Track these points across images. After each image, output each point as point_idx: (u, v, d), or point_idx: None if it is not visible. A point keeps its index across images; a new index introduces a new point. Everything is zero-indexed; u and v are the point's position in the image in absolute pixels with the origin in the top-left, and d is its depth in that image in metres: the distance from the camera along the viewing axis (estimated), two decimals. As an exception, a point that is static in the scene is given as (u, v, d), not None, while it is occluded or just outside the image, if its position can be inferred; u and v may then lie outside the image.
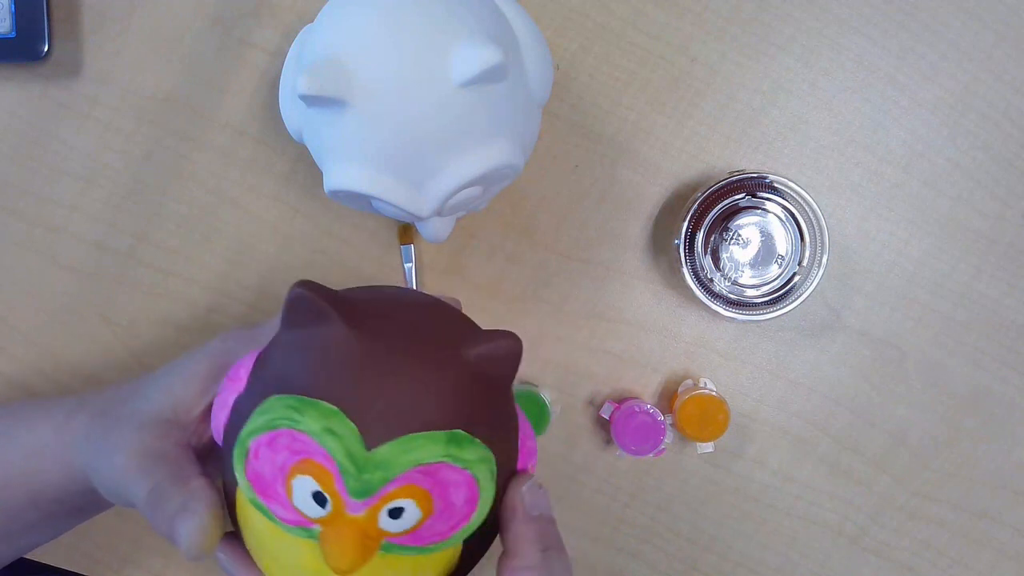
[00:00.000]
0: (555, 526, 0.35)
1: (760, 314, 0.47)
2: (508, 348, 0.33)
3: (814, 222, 0.47)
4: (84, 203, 0.52)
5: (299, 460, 0.31)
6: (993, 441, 0.53)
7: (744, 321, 0.48)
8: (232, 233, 0.52)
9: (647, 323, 0.53)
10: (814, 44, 0.51)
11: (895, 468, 0.53)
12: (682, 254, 0.47)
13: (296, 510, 0.32)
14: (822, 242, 0.47)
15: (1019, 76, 0.51)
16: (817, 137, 0.52)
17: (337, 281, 0.52)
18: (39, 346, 0.53)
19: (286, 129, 0.45)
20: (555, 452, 0.53)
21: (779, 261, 0.47)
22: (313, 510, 0.31)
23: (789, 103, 0.52)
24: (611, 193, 0.52)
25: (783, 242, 0.47)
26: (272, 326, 0.38)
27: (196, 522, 0.34)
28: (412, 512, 0.31)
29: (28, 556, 0.52)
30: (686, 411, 0.50)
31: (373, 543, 0.31)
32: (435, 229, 0.46)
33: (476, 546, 0.35)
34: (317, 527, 0.32)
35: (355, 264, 0.52)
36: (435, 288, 0.52)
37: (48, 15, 0.50)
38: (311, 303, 0.32)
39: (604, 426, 0.52)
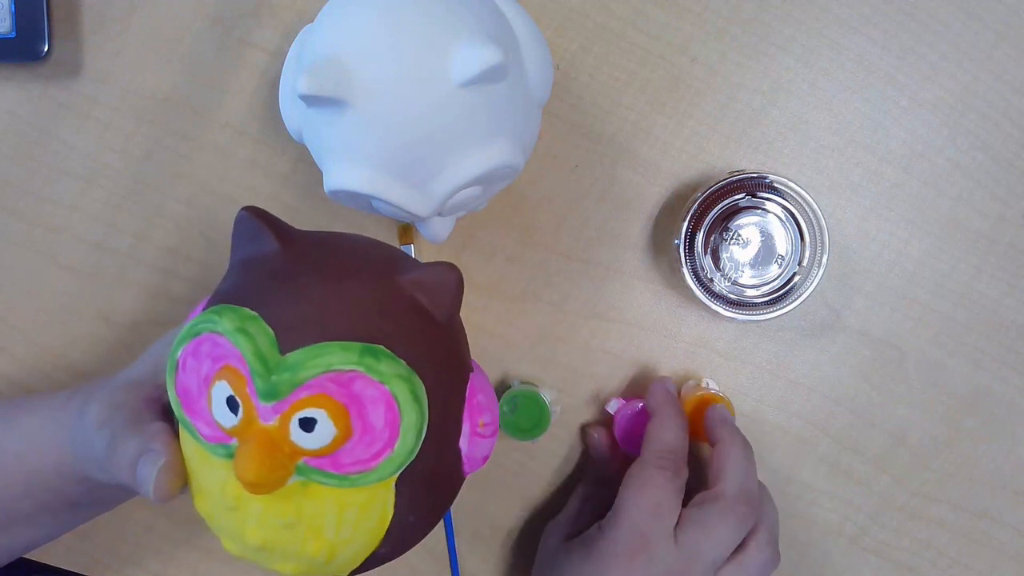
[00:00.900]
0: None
1: (760, 314, 0.47)
2: (441, 275, 0.33)
3: (814, 222, 0.47)
4: (84, 203, 0.52)
5: (219, 368, 0.31)
6: (993, 441, 0.53)
7: (744, 321, 0.48)
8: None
9: (647, 323, 0.53)
10: (814, 44, 0.51)
11: (895, 468, 0.53)
12: (682, 254, 0.47)
13: (216, 424, 0.31)
14: (822, 242, 0.47)
15: (1019, 76, 0.51)
16: (817, 137, 0.52)
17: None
18: (39, 346, 0.53)
19: (286, 129, 0.45)
20: (555, 452, 0.53)
21: (779, 261, 0.47)
22: (227, 419, 0.31)
23: (789, 103, 0.52)
24: (611, 193, 0.52)
25: (783, 242, 0.47)
26: None
27: (154, 461, 0.34)
28: (326, 426, 0.30)
29: (28, 556, 0.52)
30: (689, 410, 0.50)
31: (287, 459, 0.30)
32: (435, 229, 0.46)
33: (417, 499, 0.33)
34: (235, 441, 0.31)
35: (355, 264, 0.52)
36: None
37: (48, 15, 0.50)
38: (250, 224, 0.34)
39: (606, 426, 0.52)
